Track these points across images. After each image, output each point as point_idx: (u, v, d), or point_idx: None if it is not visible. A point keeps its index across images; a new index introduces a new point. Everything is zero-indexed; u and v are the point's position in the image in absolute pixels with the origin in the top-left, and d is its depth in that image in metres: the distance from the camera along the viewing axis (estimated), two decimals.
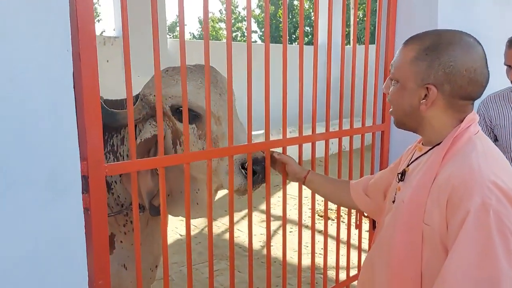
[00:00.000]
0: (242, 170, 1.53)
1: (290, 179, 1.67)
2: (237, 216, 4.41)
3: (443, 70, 1.01)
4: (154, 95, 1.51)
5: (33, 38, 0.93)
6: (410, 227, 1.03)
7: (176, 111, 1.55)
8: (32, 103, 0.93)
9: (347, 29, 10.78)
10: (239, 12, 23.83)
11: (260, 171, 1.55)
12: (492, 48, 2.25)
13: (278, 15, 19.13)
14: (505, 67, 1.89)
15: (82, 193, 1.10)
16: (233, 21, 23.54)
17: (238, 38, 21.11)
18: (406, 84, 1.06)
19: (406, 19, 2.07)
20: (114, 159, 1.61)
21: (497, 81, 2.14)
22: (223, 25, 24.01)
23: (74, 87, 1.01)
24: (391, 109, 1.14)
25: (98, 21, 21.89)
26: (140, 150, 1.49)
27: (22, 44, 0.92)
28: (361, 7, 13.06)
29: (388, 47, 2.06)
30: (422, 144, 1.14)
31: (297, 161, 1.67)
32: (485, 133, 2.00)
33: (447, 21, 2.00)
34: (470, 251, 0.88)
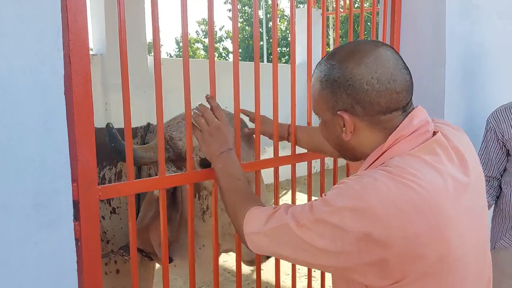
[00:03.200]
0: None
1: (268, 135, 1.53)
2: None
3: (345, 92, 0.92)
4: (184, 141, 1.36)
5: (20, 35, 0.77)
6: None
7: (203, 165, 1.38)
8: (18, 111, 0.76)
9: (328, 48, 10.84)
10: (216, 32, 23.94)
11: None
12: (497, 62, 2.22)
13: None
14: None
15: (73, 220, 0.92)
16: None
17: (216, 58, 21.09)
18: (324, 117, 1.00)
19: (412, 32, 1.98)
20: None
21: (505, 93, 2.08)
22: (200, 45, 24.00)
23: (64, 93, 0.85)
24: None
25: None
26: (156, 203, 1.31)
27: (7, 43, 0.76)
28: (342, 26, 13.26)
29: None
30: None
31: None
32: (495, 147, 1.92)
33: (454, 33, 1.93)
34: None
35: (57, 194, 0.84)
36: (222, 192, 1.16)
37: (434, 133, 0.95)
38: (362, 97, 0.91)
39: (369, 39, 1.14)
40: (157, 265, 1.73)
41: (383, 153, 0.93)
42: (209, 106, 1.24)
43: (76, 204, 0.94)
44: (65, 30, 0.89)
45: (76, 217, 0.95)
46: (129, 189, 1.08)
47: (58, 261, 0.86)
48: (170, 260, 1.47)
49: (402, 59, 0.95)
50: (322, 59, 1.00)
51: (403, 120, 0.93)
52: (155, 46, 1.12)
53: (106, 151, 1.23)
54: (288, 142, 1.51)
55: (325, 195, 0.90)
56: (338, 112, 0.94)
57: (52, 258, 0.85)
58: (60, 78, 0.83)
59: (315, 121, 1.49)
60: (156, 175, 1.40)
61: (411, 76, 0.94)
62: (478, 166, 0.99)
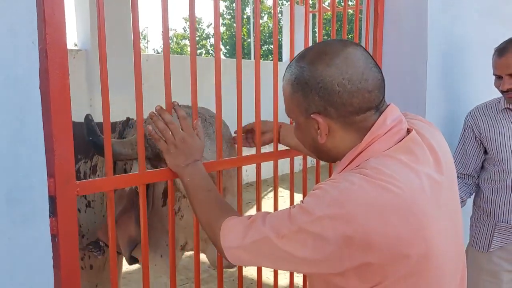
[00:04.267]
0: None
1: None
2: None
3: (317, 95, 0.90)
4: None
5: None
6: None
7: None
8: None
9: None
10: (204, 30, 23.85)
11: None
12: (477, 58, 2.24)
13: (242, 32, 19.22)
14: (493, 77, 1.84)
15: (49, 216, 0.91)
16: (197, 38, 23.48)
17: (203, 55, 21.03)
18: (298, 121, 0.99)
19: (394, 30, 2.00)
20: None
21: (483, 92, 2.11)
22: (187, 41, 23.87)
23: (40, 87, 0.83)
24: None
25: None
26: (127, 199, 1.29)
27: None
28: (326, 26, 13.29)
29: (376, 55, 1.98)
30: None
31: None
32: (473, 145, 1.94)
33: (436, 31, 1.95)
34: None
35: (31, 189, 0.83)
36: (193, 206, 1.12)
37: (408, 131, 0.95)
38: (334, 99, 0.89)
39: (339, 38, 1.12)
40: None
41: (358, 154, 0.92)
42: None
43: (53, 200, 0.93)
44: (42, 24, 0.88)
45: (53, 213, 0.94)
46: (108, 185, 1.07)
47: (33, 257, 0.84)
48: (136, 260, 1.45)
49: (372, 57, 0.93)
50: (292, 61, 0.98)
51: (377, 120, 0.92)
52: (135, 39, 1.11)
53: (82, 144, 1.20)
54: (280, 143, 1.49)
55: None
56: (311, 115, 0.93)
57: (27, 254, 0.83)
58: (35, 72, 0.81)
59: None
60: (131, 171, 1.39)
61: (382, 74, 0.93)
62: (450, 161, 1.00)
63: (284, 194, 5.32)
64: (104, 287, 1.50)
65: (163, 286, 3.35)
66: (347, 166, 0.94)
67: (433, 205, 0.88)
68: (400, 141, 0.92)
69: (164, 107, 1.18)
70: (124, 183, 1.12)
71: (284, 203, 4.52)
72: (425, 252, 0.85)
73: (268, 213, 0.96)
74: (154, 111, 1.18)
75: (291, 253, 0.87)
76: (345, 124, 0.92)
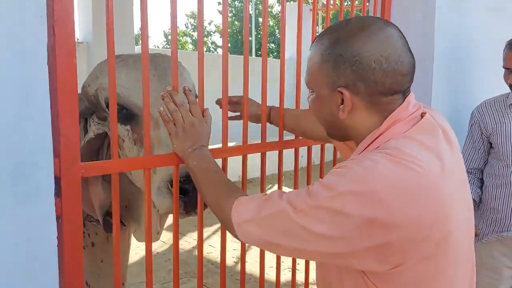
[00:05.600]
0: (169, 190, 1.18)
1: (253, 120, 1.46)
2: (208, 231, 4.20)
3: (350, 68, 0.87)
4: (92, 85, 1.30)
5: None
6: None
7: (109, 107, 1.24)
8: None
9: None
10: (205, 27, 23.82)
11: (192, 190, 1.18)
12: (484, 55, 2.24)
13: (242, 30, 19.21)
14: (503, 70, 1.83)
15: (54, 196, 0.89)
16: None
17: (205, 52, 20.99)
18: (320, 92, 0.94)
19: (401, 25, 1.97)
20: None
21: (489, 88, 2.10)
22: (188, 39, 23.84)
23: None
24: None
25: None
26: (84, 152, 1.23)
27: None
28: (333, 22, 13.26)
29: None
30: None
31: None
32: (479, 141, 1.94)
33: (443, 26, 1.93)
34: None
35: (37, 167, 0.81)
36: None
37: (422, 114, 0.95)
38: (367, 75, 0.86)
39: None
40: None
41: (378, 136, 0.90)
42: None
43: (57, 181, 0.92)
44: (49, 0, 0.87)
45: (58, 193, 0.92)
46: (114, 168, 1.05)
47: (38, 237, 0.83)
48: (123, 224, 1.41)
49: (407, 42, 0.92)
50: (323, 32, 0.95)
51: (401, 104, 0.91)
52: (143, 35, 1.10)
53: None
54: (271, 124, 1.46)
55: (321, 180, 0.87)
56: (338, 88, 0.89)
57: (31, 232, 0.82)
58: (43, 46, 0.80)
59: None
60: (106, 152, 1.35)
61: (415, 61, 0.92)
62: (457, 144, 1.00)
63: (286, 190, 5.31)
64: (110, 261, 1.48)
65: (162, 280, 3.34)
66: (366, 147, 0.91)
67: (451, 185, 0.86)
68: (416, 123, 0.91)
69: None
70: (129, 167, 1.11)
71: None
72: (445, 234, 0.84)
73: (284, 191, 0.94)
74: (165, 93, 1.16)
75: (307, 229, 0.83)
76: (370, 104, 0.90)
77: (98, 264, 1.47)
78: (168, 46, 23.12)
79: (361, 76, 0.87)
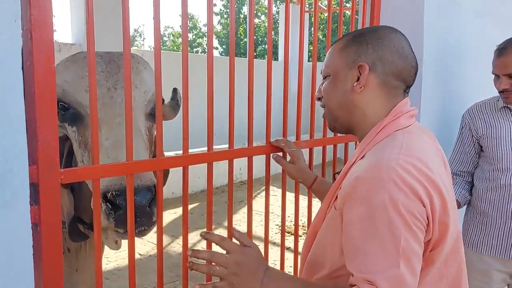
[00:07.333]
0: (105, 205, 1.07)
1: (296, 176, 1.44)
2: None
3: (372, 48, 1.02)
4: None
5: None
6: (321, 210, 1.09)
7: (60, 107, 1.18)
8: None
9: (310, 47, 10.86)
10: (200, 28, 23.79)
11: (124, 206, 1.05)
12: (473, 58, 2.23)
13: (239, 32, 19.20)
14: (490, 77, 1.82)
15: (31, 204, 0.87)
16: (194, 36, 23.41)
17: (199, 53, 20.95)
18: (337, 73, 1.05)
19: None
20: None
21: (479, 91, 2.09)
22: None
23: (23, 69, 0.80)
24: (324, 112, 1.12)
25: (54, 31, 21.11)
26: None
27: None
28: (322, 27, 13.28)
29: None
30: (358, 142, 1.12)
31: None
32: (470, 143, 1.93)
33: (432, 29, 1.93)
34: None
35: (11, 175, 0.80)
36: None
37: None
38: (386, 54, 1.01)
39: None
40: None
41: (384, 126, 1.00)
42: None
43: (35, 187, 0.90)
44: (26, 5, 0.85)
45: (36, 200, 0.91)
46: (94, 174, 1.04)
47: (13, 245, 0.81)
48: (84, 236, 1.33)
49: None
50: (346, 34, 1.10)
51: (402, 100, 1.04)
52: (125, 34, 1.08)
53: None
54: (306, 194, 1.48)
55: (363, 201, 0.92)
56: (358, 63, 1.01)
57: (6, 241, 0.80)
58: (18, 51, 0.78)
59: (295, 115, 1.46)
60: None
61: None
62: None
63: (277, 193, 5.30)
64: (84, 271, 1.44)
65: (153, 283, 3.32)
66: (373, 138, 1.00)
67: (449, 186, 0.99)
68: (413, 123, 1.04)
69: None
70: (110, 172, 1.08)
71: (276, 202, 4.50)
72: (458, 230, 0.98)
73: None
74: (189, 254, 1.04)
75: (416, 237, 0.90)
76: (382, 83, 1.02)
77: (72, 272, 1.44)
78: (164, 47, 23.07)
79: (380, 55, 1.01)
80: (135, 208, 1.05)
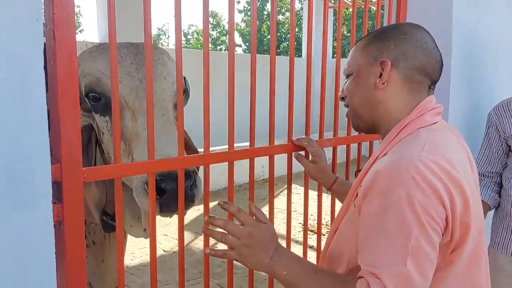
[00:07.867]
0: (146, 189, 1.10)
1: (316, 177, 1.41)
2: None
3: (394, 44, 1.00)
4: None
5: None
6: (342, 208, 1.08)
7: (90, 97, 1.17)
8: None
9: (334, 43, 10.74)
10: (224, 26, 23.86)
11: (171, 191, 1.09)
12: (502, 54, 2.15)
13: (262, 29, 19.16)
14: None
15: (53, 202, 0.88)
16: (217, 34, 23.51)
17: (223, 51, 21.02)
18: (360, 70, 1.04)
19: (418, 22, 1.92)
20: None
21: (508, 87, 2.02)
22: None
23: (46, 69, 0.81)
24: (347, 111, 1.11)
25: (81, 31, 21.56)
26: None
27: None
28: (347, 22, 13.12)
29: None
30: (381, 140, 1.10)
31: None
32: (497, 143, 1.86)
33: (461, 22, 1.87)
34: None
35: (32, 173, 0.80)
36: None
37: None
38: (408, 49, 0.99)
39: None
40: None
41: (407, 124, 0.98)
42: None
43: (59, 186, 0.91)
44: (49, 4, 0.86)
45: (59, 199, 0.92)
46: (117, 172, 1.04)
47: (35, 244, 0.82)
48: (113, 227, 1.34)
49: None
50: (369, 33, 1.08)
51: (427, 97, 1.01)
52: (146, 31, 1.08)
53: None
54: (329, 192, 1.45)
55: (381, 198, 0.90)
56: (380, 60, 1.00)
57: (28, 239, 0.81)
58: (40, 50, 0.79)
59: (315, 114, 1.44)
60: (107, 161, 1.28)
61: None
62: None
63: (300, 191, 5.27)
64: (109, 262, 1.45)
65: (176, 279, 3.35)
66: (396, 135, 0.98)
67: (474, 185, 0.97)
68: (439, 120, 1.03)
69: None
70: (132, 171, 1.08)
71: (300, 200, 4.47)
72: (480, 228, 0.95)
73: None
74: (204, 226, 1.06)
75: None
76: (406, 78, 1.00)
77: (99, 264, 1.46)
78: (188, 45, 23.27)
79: (403, 50, 0.99)
80: (175, 192, 1.10)
